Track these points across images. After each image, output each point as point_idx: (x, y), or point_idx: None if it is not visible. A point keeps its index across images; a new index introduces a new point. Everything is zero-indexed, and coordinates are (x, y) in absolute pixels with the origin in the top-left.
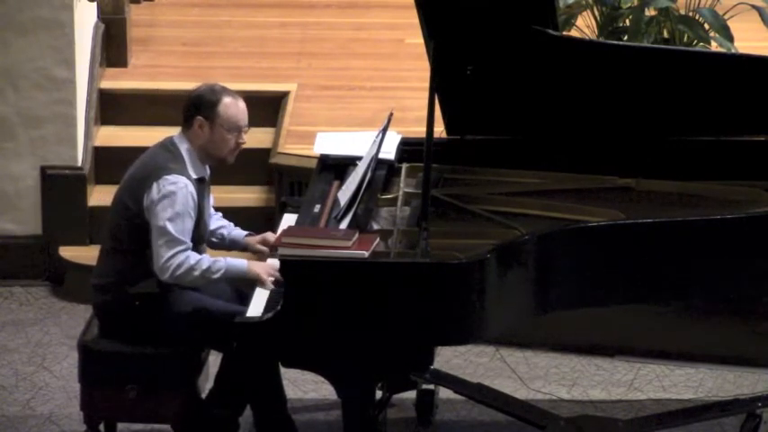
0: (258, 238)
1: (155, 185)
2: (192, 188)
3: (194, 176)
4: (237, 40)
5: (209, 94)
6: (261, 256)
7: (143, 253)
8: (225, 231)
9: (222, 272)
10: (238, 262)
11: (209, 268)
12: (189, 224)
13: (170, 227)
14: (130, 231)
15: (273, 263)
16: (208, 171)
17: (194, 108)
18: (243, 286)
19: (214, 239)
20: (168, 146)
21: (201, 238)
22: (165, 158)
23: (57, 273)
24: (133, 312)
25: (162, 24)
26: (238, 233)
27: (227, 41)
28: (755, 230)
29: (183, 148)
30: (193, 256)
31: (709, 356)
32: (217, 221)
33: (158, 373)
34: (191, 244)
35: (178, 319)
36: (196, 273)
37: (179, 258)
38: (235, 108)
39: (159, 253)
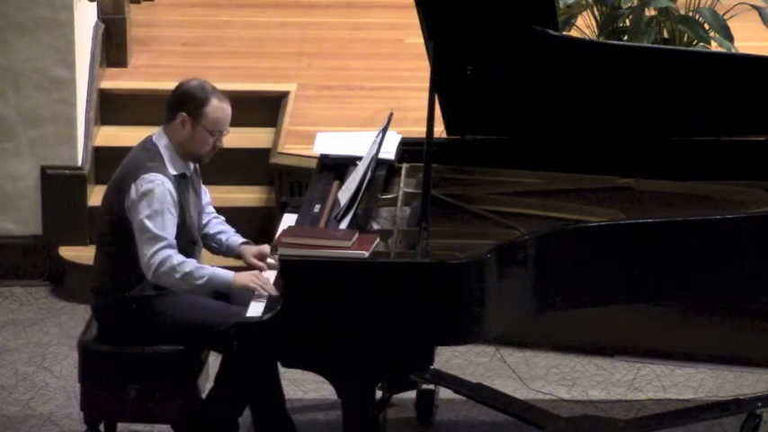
0: (254, 250)
1: (133, 186)
2: (169, 185)
3: (174, 173)
4: (237, 40)
5: (198, 91)
6: (252, 268)
7: (132, 256)
8: (223, 237)
9: (206, 279)
10: (225, 273)
11: (191, 272)
12: (170, 221)
13: (149, 224)
14: (117, 234)
15: (257, 272)
16: (191, 167)
17: (180, 103)
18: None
19: (213, 244)
20: (147, 144)
21: (193, 237)
22: (143, 158)
23: (57, 273)
24: (130, 315)
25: (162, 24)
26: (235, 240)
27: (227, 41)
28: (755, 230)
29: (162, 144)
30: (177, 257)
31: (710, 356)
32: (217, 226)
33: (158, 373)
34: (173, 240)
35: (176, 321)
36: (178, 275)
37: (161, 255)
38: (221, 111)
39: (142, 251)
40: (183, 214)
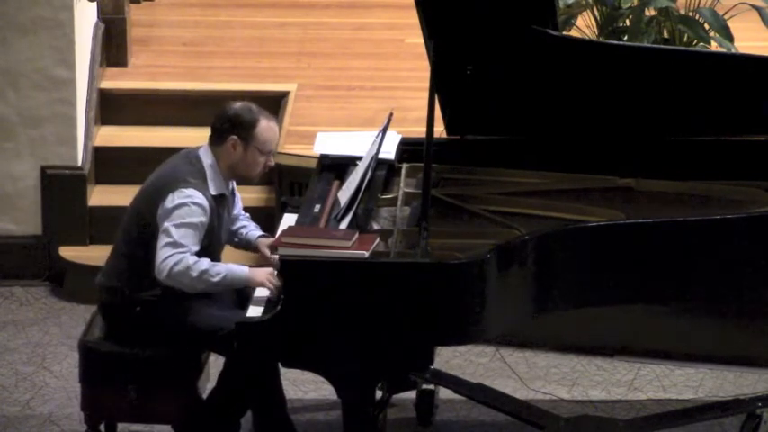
0: (268, 241)
1: (170, 195)
2: (206, 205)
3: (213, 193)
4: (237, 40)
5: (247, 113)
6: (266, 261)
7: (152, 261)
8: (243, 231)
9: (222, 276)
10: (240, 269)
11: (207, 270)
12: (195, 237)
13: (173, 231)
14: (142, 239)
15: (272, 270)
16: (231, 186)
17: (230, 126)
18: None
19: (235, 239)
20: (192, 159)
21: (214, 257)
22: (186, 171)
23: (57, 273)
24: (136, 316)
25: (162, 24)
26: (254, 233)
27: (227, 41)
28: (755, 230)
29: (207, 163)
30: (192, 257)
31: (710, 356)
32: (241, 221)
33: (158, 373)
34: (193, 250)
35: (179, 324)
36: (193, 273)
37: (176, 257)
38: (270, 132)
39: (158, 254)
40: (210, 235)
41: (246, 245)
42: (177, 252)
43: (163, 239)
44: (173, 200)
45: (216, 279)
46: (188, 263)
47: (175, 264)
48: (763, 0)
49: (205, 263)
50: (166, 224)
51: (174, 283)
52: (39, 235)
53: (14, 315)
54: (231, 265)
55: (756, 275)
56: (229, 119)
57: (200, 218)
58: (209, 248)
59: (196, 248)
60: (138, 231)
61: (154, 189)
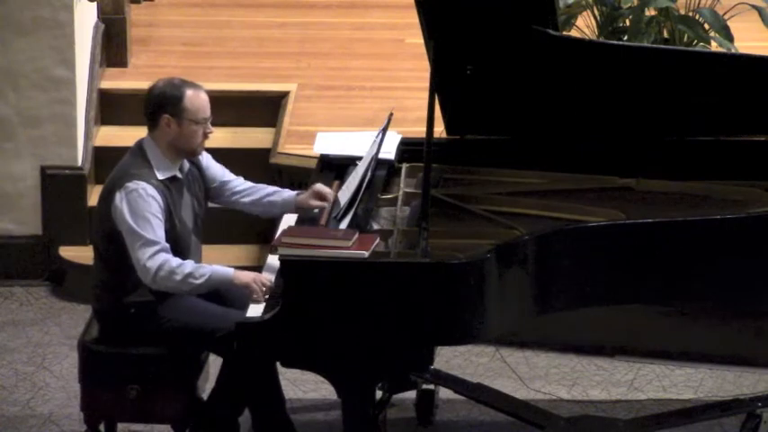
0: (308, 193)
1: (117, 194)
2: (152, 191)
3: (162, 177)
4: (237, 40)
5: (170, 89)
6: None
7: (128, 261)
8: (272, 198)
9: (206, 277)
10: (224, 269)
11: (191, 273)
12: (158, 226)
13: (139, 230)
14: (110, 241)
15: (258, 273)
16: (185, 168)
17: (158, 106)
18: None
19: (259, 208)
20: (136, 151)
21: (184, 242)
22: (130, 165)
23: (57, 273)
24: (130, 319)
25: (162, 24)
26: (289, 195)
27: (227, 41)
28: (755, 230)
29: (150, 150)
30: (175, 260)
31: (710, 356)
32: (259, 191)
33: (158, 373)
34: (166, 245)
35: (176, 325)
36: (178, 277)
37: (158, 259)
38: (198, 99)
39: (137, 257)
40: (171, 219)
41: (282, 209)
42: (154, 252)
43: (133, 242)
44: (121, 199)
45: (201, 281)
46: (171, 266)
47: (159, 267)
48: (763, 0)
49: (189, 265)
50: (128, 225)
51: (160, 288)
52: (39, 235)
53: (14, 315)
54: (215, 267)
55: (756, 275)
56: (156, 100)
57: (154, 205)
58: (173, 232)
59: (163, 236)
60: (105, 236)
61: (106, 191)
